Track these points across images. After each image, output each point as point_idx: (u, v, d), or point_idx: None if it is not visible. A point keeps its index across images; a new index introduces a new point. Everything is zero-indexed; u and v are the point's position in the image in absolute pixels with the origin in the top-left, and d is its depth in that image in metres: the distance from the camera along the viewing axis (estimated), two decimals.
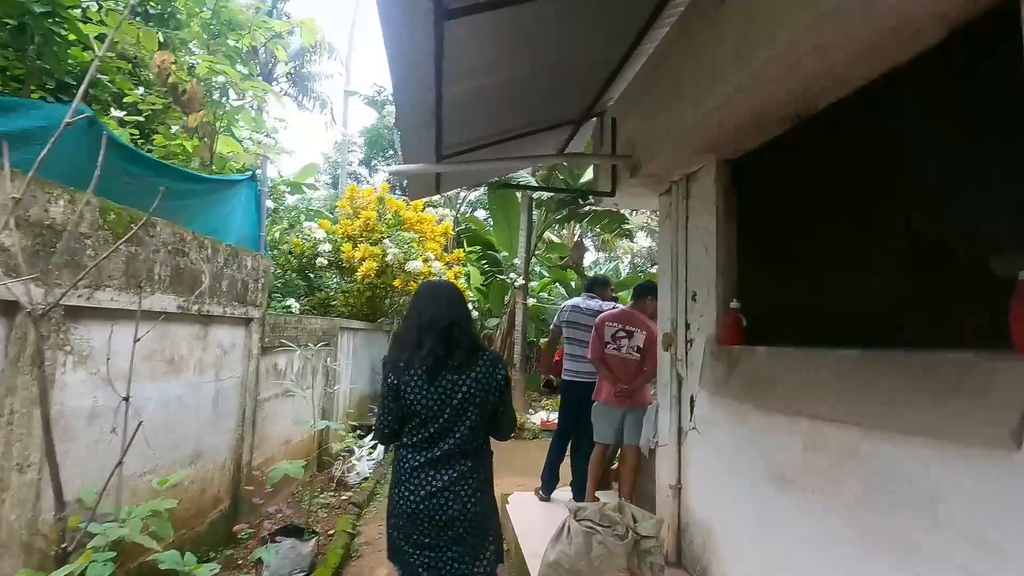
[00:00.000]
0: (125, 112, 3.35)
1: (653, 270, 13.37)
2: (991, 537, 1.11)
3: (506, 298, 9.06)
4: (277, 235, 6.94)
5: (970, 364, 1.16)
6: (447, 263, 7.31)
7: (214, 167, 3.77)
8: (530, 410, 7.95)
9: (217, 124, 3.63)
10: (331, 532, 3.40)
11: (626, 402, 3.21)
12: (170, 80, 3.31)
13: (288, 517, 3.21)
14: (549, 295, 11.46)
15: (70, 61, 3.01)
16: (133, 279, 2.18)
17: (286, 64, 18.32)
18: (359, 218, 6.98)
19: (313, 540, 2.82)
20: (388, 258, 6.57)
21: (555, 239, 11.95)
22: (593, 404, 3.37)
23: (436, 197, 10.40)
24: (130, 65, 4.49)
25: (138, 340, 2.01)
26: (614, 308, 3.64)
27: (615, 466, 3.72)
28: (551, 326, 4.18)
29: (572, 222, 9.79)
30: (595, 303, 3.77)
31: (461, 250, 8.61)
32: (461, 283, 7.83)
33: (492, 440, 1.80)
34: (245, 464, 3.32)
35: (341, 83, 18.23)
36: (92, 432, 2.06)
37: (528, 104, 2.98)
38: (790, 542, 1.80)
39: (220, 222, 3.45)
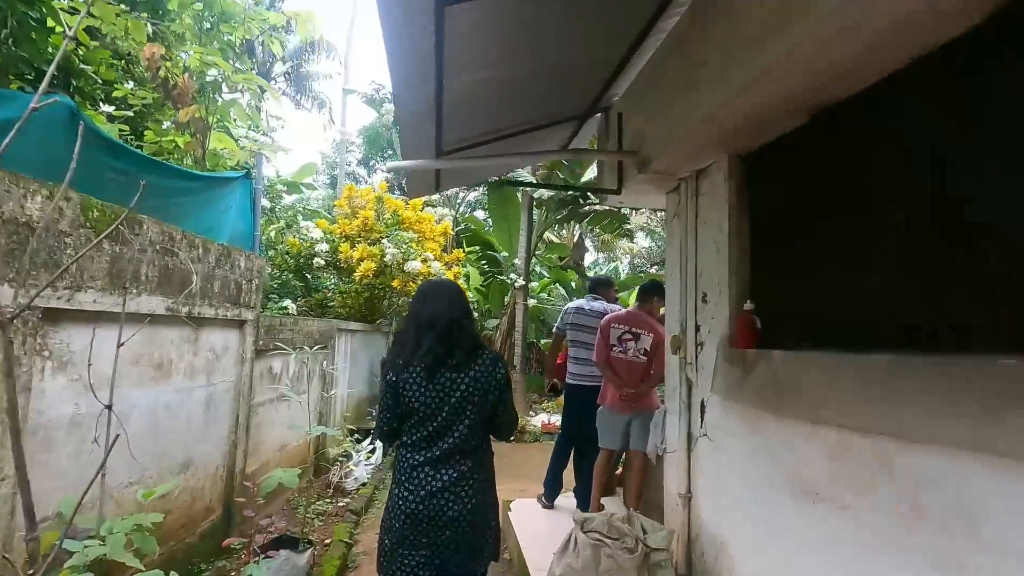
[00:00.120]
0: (114, 107, 3.23)
1: (653, 271, 13.30)
2: None
3: (506, 299, 8.96)
4: (273, 235, 6.83)
5: None
6: (446, 263, 7.21)
7: (207, 164, 3.66)
8: (530, 412, 7.85)
9: (210, 119, 3.52)
10: (328, 541, 3.29)
11: (632, 407, 3.11)
12: (160, 74, 3.20)
13: (283, 528, 3.10)
14: (549, 296, 11.37)
15: (51, 50, 2.90)
16: (118, 280, 2.07)
17: (284, 63, 18.23)
18: (357, 218, 6.88)
19: (308, 551, 2.72)
20: (387, 258, 6.47)
21: (554, 239, 11.86)
22: (598, 409, 3.27)
23: (435, 197, 10.30)
24: (123, 61, 4.38)
25: (122, 344, 1.90)
26: (620, 310, 3.54)
27: (619, 471, 3.62)
28: (554, 329, 4.08)
29: (572, 222, 9.70)
30: (599, 304, 3.67)
31: (461, 250, 8.51)
32: (461, 283, 7.73)
33: (493, 442, 1.79)
34: (239, 472, 3.21)
35: (340, 83, 18.11)
36: (73, 442, 1.95)
37: (530, 100, 2.89)
38: (812, 557, 1.70)
39: (213, 221, 3.34)
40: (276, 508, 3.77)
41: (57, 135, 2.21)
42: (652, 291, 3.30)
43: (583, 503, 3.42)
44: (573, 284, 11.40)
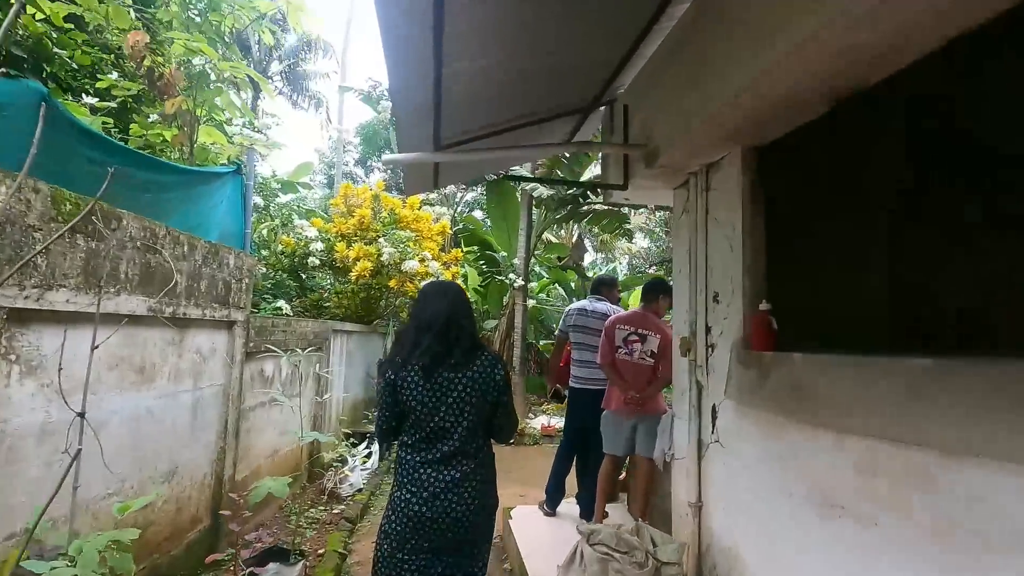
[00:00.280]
0: (98, 99, 3.09)
1: (651, 271, 13.21)
2: None
3: (505, 299, 8.84)
4: (265, 232, 6.68)
5: None
6: (444, 263, 7.08)
7: (195, 158, 3.52)
8: (530, 414, 7.73)
9: (199, 112, 3.38)
10: (321, 552, 3.16)
11: (638, 411, 2.99)
12: (145, 63, 3.06)
13: (273, 538, 2.97)
14: (548, 296, 11.25)
15: (20, 32, 2.74)
16: (93, 278, 1.94)
17: (280, 62, 18.07)
18: (353, 216, 6.75)
19: (299, 564, 2.59)
20: (383, 258, 6.33)
21: (553, 239, 11.76)
22: (602, 414, 3.15)
23: (433, 196, 10.18)
24: (112, 56, 4.24)
25: (96, 347, 1.78)
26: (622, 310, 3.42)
27: (622, 476, 3.50)
28: (557, 331, 3.96)
29: (571, 222, 9.58)
30: (603, 305, 3.55)
31: (459, 250, 8.39)
32: (459, 283, 7.60)
33: (492, 445, 1.80)
34: (228, 479, 3.08)
35: (337, 82, 17.97)
36: (44, 452, 1.82)
37: (532, 91, 2.77)
38: (835, 575, 1.59)
39: (201, 217, 3.21)
40: (268, 516, 3.64)
41: (31, 125, 2.07)
42: (658, 290, 3.18)
43: (586, 511, 3.30)
44: (572, 284, 11.29)
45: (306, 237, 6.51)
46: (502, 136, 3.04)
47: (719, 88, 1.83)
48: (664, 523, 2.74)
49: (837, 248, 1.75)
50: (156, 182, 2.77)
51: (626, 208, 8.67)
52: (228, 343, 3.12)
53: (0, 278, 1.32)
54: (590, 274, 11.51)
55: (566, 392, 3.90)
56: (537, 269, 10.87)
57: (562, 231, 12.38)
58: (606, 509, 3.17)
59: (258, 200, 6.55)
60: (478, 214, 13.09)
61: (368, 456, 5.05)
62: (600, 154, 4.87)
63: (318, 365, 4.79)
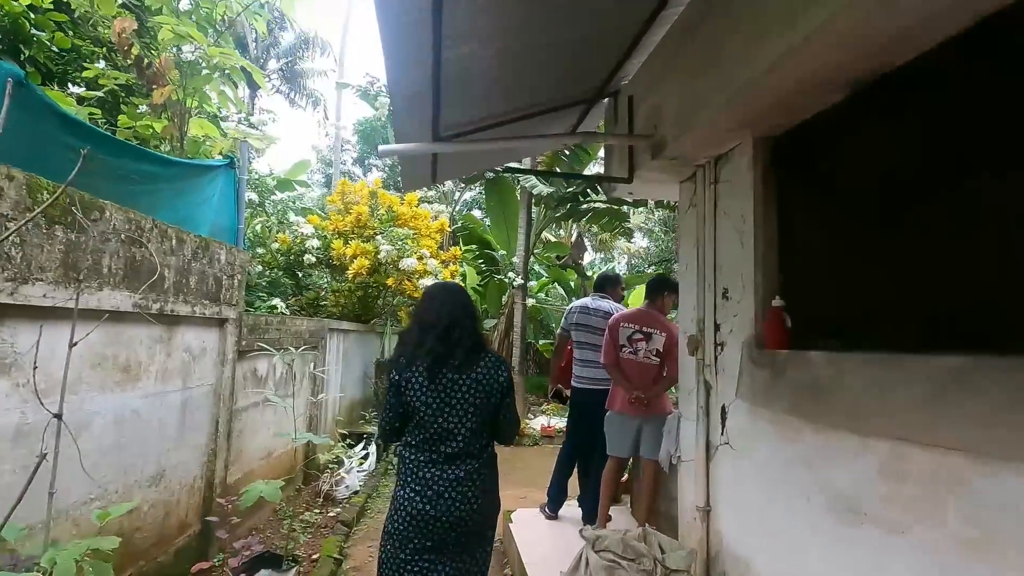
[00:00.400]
0: (85, 88, 2.98)
1: (651, 271, 13.14)
2: None
3: (504, 298, 8.75)
4: (259, 228, 6.56)
5: None
6: (443, 261, 6.98)
7: (186, 151, 3.41)
8: (529, 415, 7.63)
9: (189, 103, 3.28)
10: (315, 557, 3.06)
11: (642, 411, 2.90)
12: (133, 51, 2.95)
13: (265, 543, 2.87)
14: (547, 295, 11.16)
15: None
16: (73, 271, 1.84)
17: (278, 61, 17.94)
18: (350, 213, 6.64)
19: (293, 571, 2.50)
20: (381, 255, 6.23)
21: (552, 238, 11.68)
22: (606, 414, 3.06)
23: (431, 193, 10.07)
24: (104, 49, 4.13)
25: (75, 344, 1.68)
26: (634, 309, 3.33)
27: (625, 477, 3.41)
28: (559, 330, 3.87)
29: (571, 221, 9.49)
30: (606, 303, 3.46)
31: (458, 248, 8.30)
32: (458, 282, 7.51)
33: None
34: (220, 482, 2.98)
35: (335, 79, 17.86)
36: (19, 455, 1.72)
37: (534, 81, 2.68)
38: None
39: (191, 211, 3.11)
40: (261, 520, 3.54)
41: (29, 123, 1.98)
42: (663, 287, 3.09)
43: (589, 514, 3.21)
44: (572, 284, 11.21)
45: (302, 234, 6.40)
46: (502, 128, 2.95)
47: (733, 74, 1.74)
48: (670, 527, 2.65)
49: (850, 242, 1.68)
50: (143, 173, 2.67)
51: (626, 207, 8.58)
52: (219, 341, 3.02)
53: None
54: (589, 273, 11.44)
55: (567, 392, 3.80)
56: (536, 268, 10.79)
57: (561, 230, 12.30)
58: (609, 512, 3.08)
59: (252, 195, 6.44)
60: (477, 213, 13.01)
61: (365, 458, 4.95)
62: (603, 149, 4.79)
63: (314, 364, 4.69)
